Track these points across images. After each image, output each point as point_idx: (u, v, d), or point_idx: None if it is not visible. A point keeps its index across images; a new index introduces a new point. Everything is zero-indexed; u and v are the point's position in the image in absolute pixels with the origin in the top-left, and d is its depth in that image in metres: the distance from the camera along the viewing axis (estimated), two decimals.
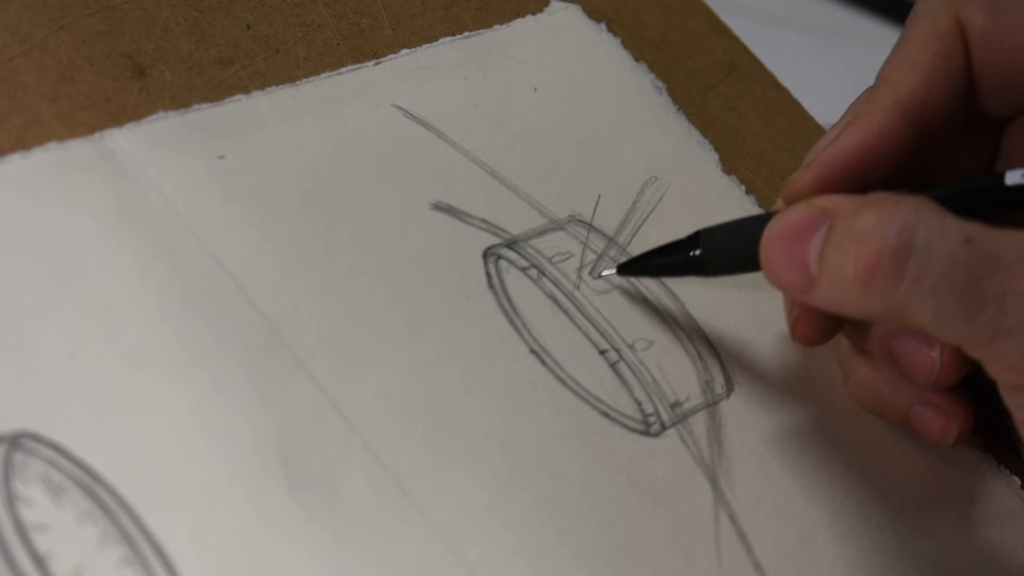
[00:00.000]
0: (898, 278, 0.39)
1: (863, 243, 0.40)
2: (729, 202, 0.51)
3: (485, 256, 0.46)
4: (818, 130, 0.56)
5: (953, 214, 0.40)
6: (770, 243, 0.42)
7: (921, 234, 0.39)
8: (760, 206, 0.52)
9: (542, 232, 0.48)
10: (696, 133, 0.53)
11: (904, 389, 0.46)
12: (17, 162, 0.42)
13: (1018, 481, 0.48)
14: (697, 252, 0.45)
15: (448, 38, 0.52)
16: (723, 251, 0.45)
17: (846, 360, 0.47)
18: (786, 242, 0.42)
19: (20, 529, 0.36)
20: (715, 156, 0.53)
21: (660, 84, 0.54)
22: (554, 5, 0.55)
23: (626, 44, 0.55)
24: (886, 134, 0.44)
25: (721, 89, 0.55)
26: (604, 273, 0.48)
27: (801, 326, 0.45)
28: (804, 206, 0.42)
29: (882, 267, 0.39)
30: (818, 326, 0.45)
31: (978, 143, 0.48)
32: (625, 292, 0.47)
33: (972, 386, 0.46)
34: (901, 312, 0.40)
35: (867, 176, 0.44)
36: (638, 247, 0.48)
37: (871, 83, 0.47)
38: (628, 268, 0.47)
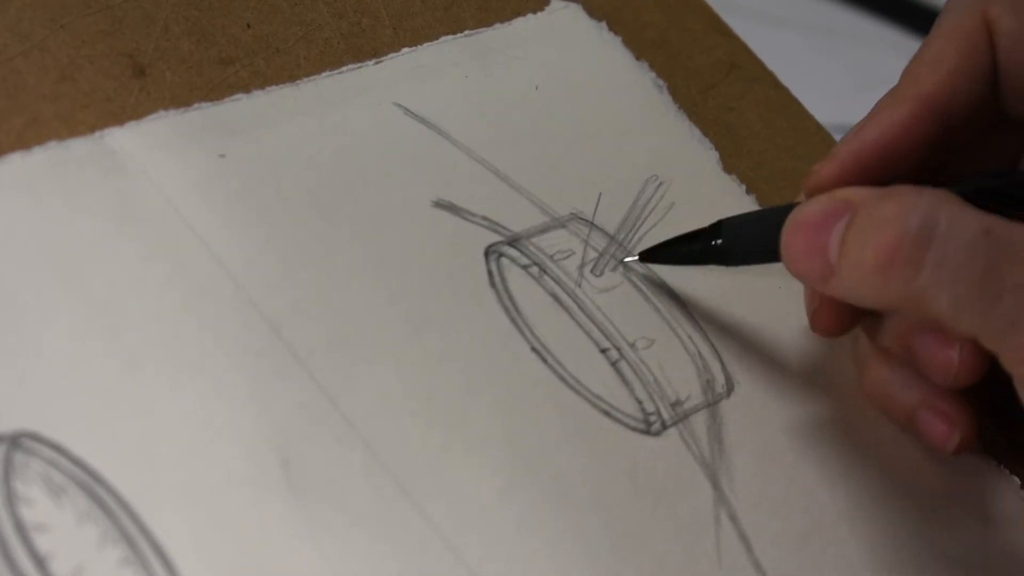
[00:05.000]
0: (917, 266, 0.39)
1: (883, 230, 0.40)
2: (729, 201, 0.51)
3: (486, 254, 0.46)
4: (818, 130, 0.56)
5: (973, 207, 0.40)
6: (791, 232, 0.42)
7: (942, 223, 0.39)
8: (760, 205, 0.52)
9: (544, 230, 0.48)
10: (697, 132, 0.53)
11: (914, 389, 0.45)
12: (17, 161, 0.42)
13: (1018, 481, 0.48)
14: (719, 242, 0.45)
15: (449, 37, 0.52)
16: (745, 241, 0.45)
17: (862, 355, 0.47)
18: (807, 231, 0.42)
19: (20, 529, 0.36)
20: (715, 155, 0.53)
21: (661, 83, 0.54)
22: (554, 4, 0.55)
23: (626, 43, 0.55)
24: (909, 127, 0.44)
25: (721, 89, 0.55)
26: (627, 260, 0.48)
27: (820, 317, 0.45)
28: (826, 197, 0.42)
29: (901, 254, 0.39)
30: (837, 317, 0.45)
31: (1003, 142, 0.48)
32: (625, 291, 0.47)
33: (984, 392, 0.45)
34: (919, 301, 0.40)
35: (889, 169, 0.44)
36: (639, 245, 0.48)
37: (871, 83, 0.47)
38: (649, 255, 0.47)
